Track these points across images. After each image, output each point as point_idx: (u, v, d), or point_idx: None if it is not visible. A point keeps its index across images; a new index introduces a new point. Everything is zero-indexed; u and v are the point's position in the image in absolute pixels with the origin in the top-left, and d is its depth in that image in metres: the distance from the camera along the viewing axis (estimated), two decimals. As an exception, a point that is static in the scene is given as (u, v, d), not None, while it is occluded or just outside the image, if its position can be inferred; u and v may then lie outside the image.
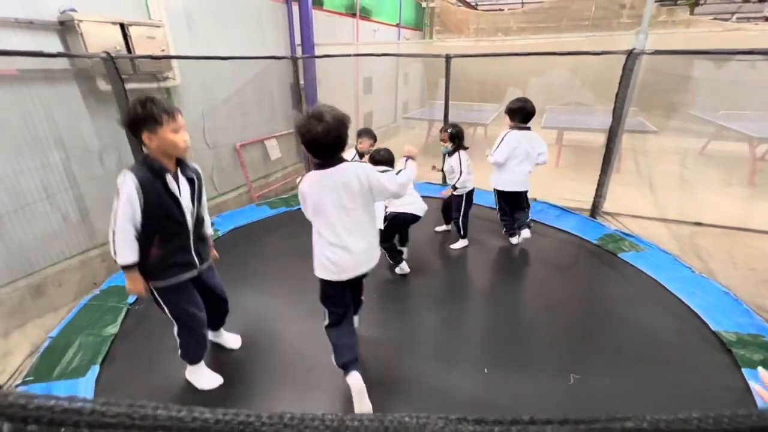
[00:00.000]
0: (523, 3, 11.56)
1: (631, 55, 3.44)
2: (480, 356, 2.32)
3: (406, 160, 2.31)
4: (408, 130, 8.76)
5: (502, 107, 7.07)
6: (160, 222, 1.67)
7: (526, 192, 3.47)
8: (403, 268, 3.16)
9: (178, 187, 1.69)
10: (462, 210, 3.45)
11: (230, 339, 2.31)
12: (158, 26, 3.26)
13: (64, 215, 2.99)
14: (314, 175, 1.71)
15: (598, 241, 3.62)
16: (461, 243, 3.60)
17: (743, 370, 2.13)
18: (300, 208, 1.88)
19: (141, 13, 3.32)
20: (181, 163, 1.73)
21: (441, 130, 3.31)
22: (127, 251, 1.62)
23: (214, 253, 2.07)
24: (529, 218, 3.53)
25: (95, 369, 2.18)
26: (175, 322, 1.90)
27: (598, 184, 4.05)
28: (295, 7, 5.03)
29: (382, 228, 3.08)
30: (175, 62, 3.53)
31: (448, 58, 4.23)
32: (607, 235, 3.71)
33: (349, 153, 3.91)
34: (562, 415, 0.31)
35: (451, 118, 4.54)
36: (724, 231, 3.70)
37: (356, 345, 1.96)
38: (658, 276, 3.03)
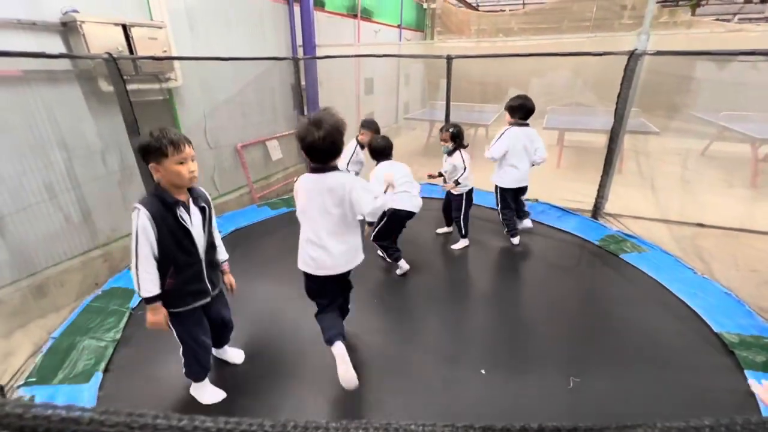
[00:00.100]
0: (524, 4, 11.56)
1: (633, 56, 3.44)
2: (479, 357, 2.32)
3: (386, 189, 2.30)
4: (409, 130, 8.76)
5: (503, 108, 7.09)
6: (173, 253, 1.69)
7: (526, 187, 3.57)
8: (402, 266, 3.16)
9: (190, 217, 1.71)
10: (462, 210, 3.46)
11: (234, 354, 2.30)
12: (160, 27, 3.27)
13: (66, 215, 3.00)
14: (308, 177, 1.85)
15: (600, 242, 3.61)
16: (462, 243, 3.60)
17: (746, 372, 2.13)
18: None
19: (143, 14, 3.33)
20: (192, 191, 1.75)
21: (441, 130, 3.31)
22: (150, 284, 1.65)
23: (231, 279, 2.05)
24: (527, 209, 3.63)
25: (98, 376, 2.17)
26: (181, 345, 1.91)
27: (600, 185, 4.04)
28: (297, 8, 5.03)
29: (380, 226, 3.10)
30: (176, 63, 3.54)
31: (449, 59, 4.23)
32: (608, 236, 3.70)
33: (350, 144, 3.94)
34: (561, 418, 0.30)
35: (453, 119, 4.53)
36: (726, 232, 3.69)
37: (341, 326, 2.12)
38: (659, 277, 3.03)
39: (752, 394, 1.95)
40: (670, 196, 4.35)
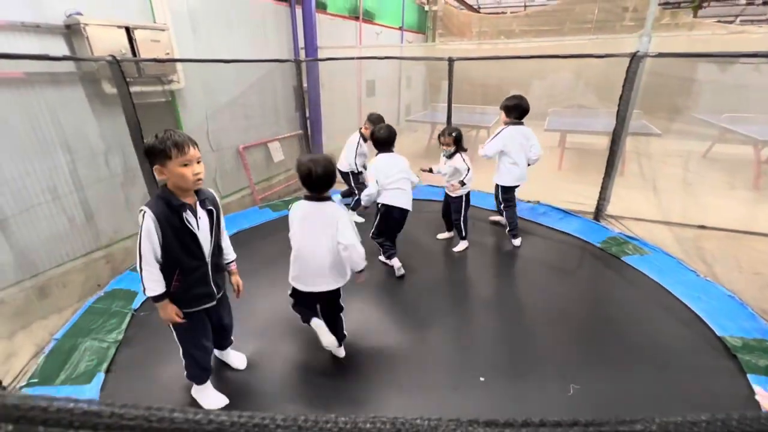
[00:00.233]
0: (525, 6, 11.59)
1: (635, 58, 3.44)
2: (479, 364, 2.30)
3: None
4: (411, 132, 8.77)
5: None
6: (179, 256, 1.69)
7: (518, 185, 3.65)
8: (395, 264, 3.18)
9: (196, 220, 1.70)
10: (462, 212, 3.47)
11: (236, 358, 2.29)
12: (163, 30, 3.29)
13: (69, 217, 3.01)
14: (304, 203, 2.07)
15: (602, 244, 3.60)
16: (462, 245, 3.61)
17: (748, 376, 2.12)
18: None
19: (146, 17, 3.35)
20: (199, 193, 1.73)
21: (442, 135, 3.30)
22: (154, 284, 1.66)
23: (239, 280, 2.05)
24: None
25: (100, 376, 2.18)
26: (180, 347, 1.91)
27: (602, 187, 4.04)
28: (299, 11, 5.05)
29: (376, 222, 3.15)
30: (179, 65, 3.55)
31: (450, 61, 4.24)
32: (610, 238, 3.69)
33: (353, 137, 3.97)
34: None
35: (454, 121, 4.54)
36: (728, 234, 3.68)
37: (317, 313, 2.29)
38: (662, 280, 3.02)
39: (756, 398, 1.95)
40: (672, 198, 4.34)
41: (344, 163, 4.11)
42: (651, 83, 4.45)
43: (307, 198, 2.06)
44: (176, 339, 1.88)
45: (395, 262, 3.19)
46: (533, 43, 7.11)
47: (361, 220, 4.20)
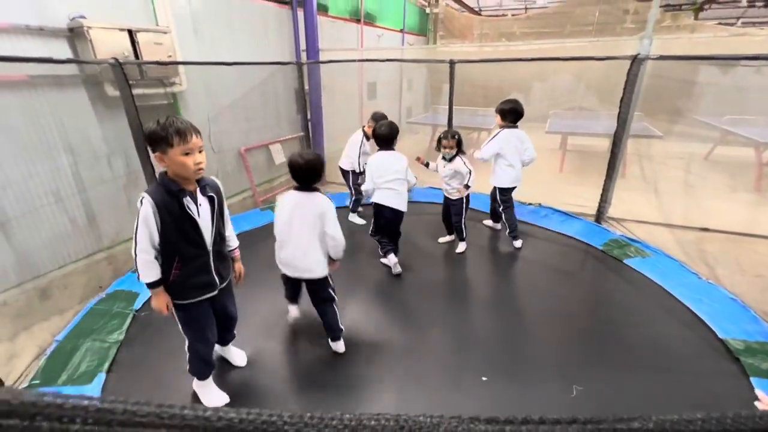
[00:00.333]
0: (526, 8, 11.61)
1: (636, 61, 3.44)
2: (481, 364, 2.30)
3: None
4: (412, 135, 8.79)
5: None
6: (179, 243, 1.66)
7: (514, 188, 3.67)
8: (390, 261, 3.21)
9: (197, 207, 1.67)
10: (463, 214, 3.48)
11: (236, 355, 2.29)
12: (165, 32, 3.30)
13: (71, 219, 3.02)
14: (293, 193, 2.21)
15: (603, 246, 3.60)
16: (462, 246, 3.61)
17: (751, 379, 2.11)
18: None
19: (148, 20, 3.37)
20: (200, 180, 1.70)
21: (444, 138, 3.30)
22: (149, 270, 1.64)
23: (241, 267, 2.07)
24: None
25: (101, 376, 2.18)
26: (186, 338, 1.91)
27: (603, 189, 4.04)
28: (300, 13, 5.08)
29: (374, 219, 3.22)
30: (181, 68, 3.57)
31: (452, 63, 4.25)
32: (612, 240, 3.69)
33: (356, 135, 3.98)
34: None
35: (455, 123, 4.55)
36: (730, 237, 3.67)
37: (297, 296, 2.53)
38: (664, 282, 3.01)
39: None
40: (674, 201, 4.34)
41: (346, 161, 4.11)
42: (652, 85, 4.46)
43: (296, 189, 2.22)
44: (181, 330, 1.87)
45: (390, 259, 3.22)
46: (534, 45, 7.13)
47: (361, 222, 4.20)
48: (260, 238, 3.92)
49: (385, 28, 7.88)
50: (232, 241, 2.00)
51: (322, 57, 5.28)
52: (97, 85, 3.02)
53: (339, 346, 2.38)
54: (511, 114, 3.47)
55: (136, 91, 3.05)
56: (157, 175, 1.63)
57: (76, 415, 0.22)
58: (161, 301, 1.71)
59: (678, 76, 5.24)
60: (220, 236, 1.83)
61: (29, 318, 2.72)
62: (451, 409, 2.01)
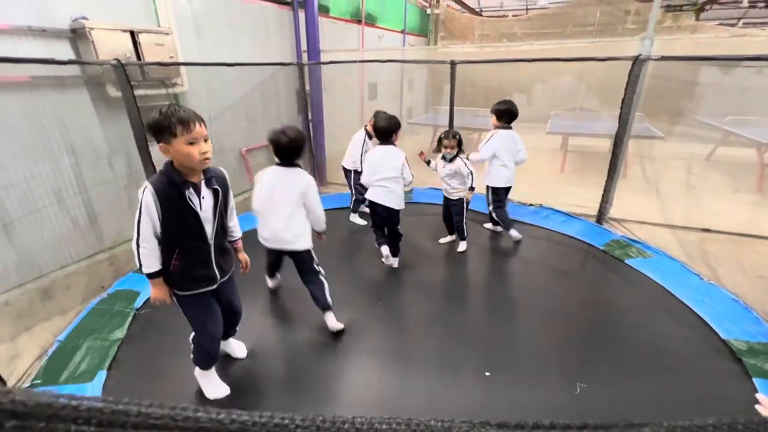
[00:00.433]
0: (527, 9, 11.62)
1: (637, 61, 3.44)
2: (483, 361, 2.31)
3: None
4: (413, 135, 8.79)
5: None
6: (179, 235, 1.65)
7: (510, 188, 3.73)
8: (383, 252, 3.24)
9: (199, 200, 1.64)
10: (464, 214, 3.49)
11: (236, 348, 2.30)
12: (167, 33, 3.31)
13: (73, 219, 3.03)
14: (275, 168, 2.32)
15: (605, 246, 3.60)
16: (464, 245, 3.62)
17: (754, 379, 2.10)
18: None
19: (150, 21, 3.38)
20: (206, 171, 1.66)
21: (446, 138, 3.30)
22: (150, 261, 1.63)
23: (245, 257, 2.07)
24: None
25: (102, 374, 2.19)
26: (191, 328, 1.92)
27: (604, 190, 4.04)
28: (302, 14, 5.08)
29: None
30: (183, 68, 3.58)
31: (453, 64, 4.25)
32: (613, 240, 3.68)
33: (359, 134, 3.98)
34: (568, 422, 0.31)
35: (456, 124, 4.55)
36: (732, 238, 3.67)
37: (276, 270, 2.77)
38: (665, 283, 3.01)
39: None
40: (675, 201, 4.34)
41: (348, 161, 4.11)
42: (653, 86, 4.46)
43: (278, 164, 2.32)
44: (185, 319, 1.87)
45: (383, 251, 3.25)
46: (535, 46, 7.12)
47: (362, 222, 4.19)
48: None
49: (386, 29, 7.88)
50: (236, 232, 1.98)
51: (323, 58, 5.28)
52: (99, 85, 3.03)
53: (330, 319, 2.44)
54: (507, 115, 3.53)
55: (137, 92, 3.06)
56: (160, 153, 1.58)
57: (91, 417, 0.23)
58: (161, 292, 1.71)
59: (679, 76, 5.25)
60: (222, 229, 1.81)
61: (31, 318, 2.72)
62: (454, 404, 2.01)
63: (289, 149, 2.26)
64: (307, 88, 5.26)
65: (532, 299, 2.99)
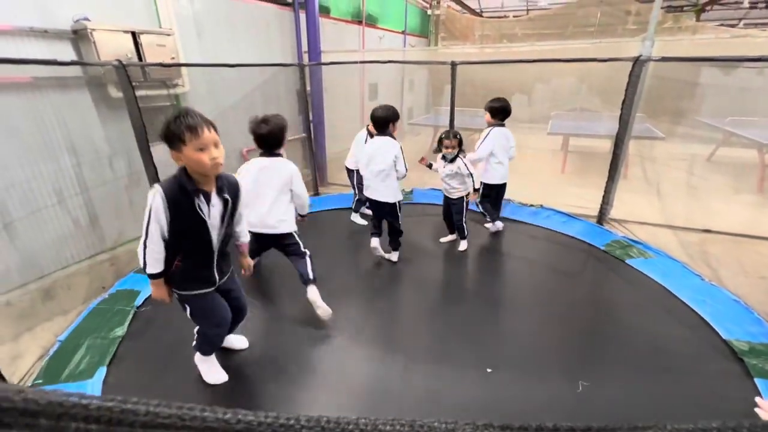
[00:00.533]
0: (528, 10, 11.62)
1: (638, 62, 3.44)
2: (484, 359, 2.31)
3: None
4: (413, 136, 8.80)
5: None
6: (184, 239, 1.67)
7: (505, 185, 3.80)
8: (372, 243, 3.30)
9: (209, 209, 1.65)
10: (464, 213, 3.50)
11: (236, 341, 2.33)
12: (168, 34, 3.32)
13: (74, 220, 3.03)
14: (260, 158, 2.45)
15: (606, 246, 3.59)
16: (464, 244, 3.63)
17: (756, 380, 2.10)
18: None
19: (152, 22, 3.38)
20: (219, 179, 1.68)
21: (447, 138, 3.30)
22: (155, 262, 1.66)
23: (249, 261, 2.09)
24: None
25: (102, 370, 2.20)
26: (195, 322, 1.95)
27: (605, 191, 4.04)
28: (302, 15, 5.09)
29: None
30: (184, 69, 3.58)
31: (453, 65, 4.25)
32: (614, 241, 3.68)
33: (361, 133, 3.98)
34: (569, 421, 0.31)
35: (457, 124, 4.56)
36: (733, 238, 3.66)
37: (260, 253, 2.79)
38: (666, 283, 3.00)
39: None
40: (676, 202, 4.34)
41: (351, 160, 4.11)
42: (654, 86, 4.46)
43: (262, 155, 2.46)
44: (188, 315, 1.90)
45: (373, 242, 3.32)
46: (536, 46, 7.13)
47: (363, 222, 4.20)
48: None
49: (386, 30, 7.89)
50: (243, 237, 2.01)
51: (324, 58, 5.29)
52: (100, 86, 3.03)
53: (311, 292, 2.51)
54: (501, 112, 3.60)
55: (139, 93, 3.06)
56: (159, 175, 1.64)
57: (101, 416, 0.23)
58: (161, 292, 1.74)
59: (680, 77, 5.25)
60: (227, 236, 1.83)
61: (32, 318, 2.72)
62: (455, 402, 2.01)
63: (269, 138, 2.36)
64: (308, 88, 5.27)
65: (532, 298, 2.99)
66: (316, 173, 5.42)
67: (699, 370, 2.22)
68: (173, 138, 1.50)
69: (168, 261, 1.70)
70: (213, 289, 1.87)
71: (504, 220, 4.12)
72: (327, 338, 2.48)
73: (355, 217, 4.28)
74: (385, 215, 3.22)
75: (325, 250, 3.80)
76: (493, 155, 3.61)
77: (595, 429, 0.30)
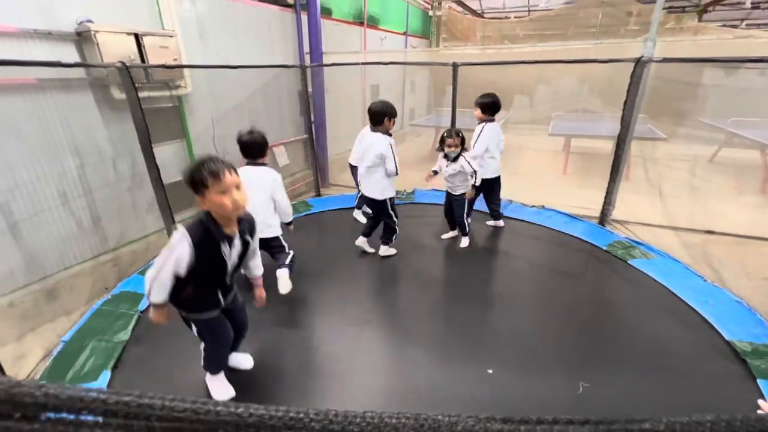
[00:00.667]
0: (529, 11, 11.62)
1: (640, 63, 3.44)
2: (485, 359, 2.31)
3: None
4: (414, 137, 8.81)
5: (509, 114, 7.10)
6: (200, 276, 1.70)
7: (499, 177, 3.85)
8: (360, 241, 3.42)
9: (230, 250, 1.71)
10: (466, 210, 3.52)
11: (243, 359, 2.32)
12: (171, 36, 3.33)
13: (77, 221, 3.05)
14: (246, 167, 2.62)
15: (608, 247, 3.59)
16: (466, 241, 3.64)
17: (758, 381, 2.10)
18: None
19: (155, 24, 3.40)
20: (241, 222, 1.74)
21: (448, 137, 3.31)
22: (160, 293, 1.67)
23: (262, 292, 2.10)
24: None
25: (107, 374, 2.20)
26: (201, 340, 1.97)
27: (607, 192, 4.03)
28: (304, 16, 5.10)
29: None
30: (186, 71, 3.60)
31: (455, 66, 4.26)
32: (616, 242, 3.68)
33: (364, 129, 4.01)
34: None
35: (458, 125, 4.56)
36: (736, 239, 3.65)
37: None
38: (669, 284, 3.00)
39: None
40: (679, 203, 4.33)
41: (354, 157, 4.12)
42: (656, 87, 4.45)
43: (247, 163, 2.66)
44: (195, 334, 1.92)
45: (362, 240, 3.46)
46: (537, 47, 7.13)
47: (364, 220, 4.20)
48: (264, 240, 3.94)
49: (388, 31, 7.90)
50: (257, 270, 2.05)
51: (326, 60, 5.30)
52: (103, 88, 3.05)
53: (281, 273, 2.69)
54: (491, 107, 3.65)
55: (142, 94, 3.08)
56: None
57: (118, 410, 0.23)
58: (161, 317, 1.76)
59: (682, 78, 5.24)
60: (238, 270, 1.90)
61: (36, 319, 2.74)
62: (456, 401, 2.02)
63: (250, 145, 2.61)
64: (310, 90, 5.28)
65: (534, 297, 2.99)
66: (317, 174, 5.43)
67: (701, 372, 2.21)
68: (197, 184, 1.55)
69: (178, 289, 1.71)
70: (216, 313, 1.91)
71: (505, 219, 4.12)
72: (327, 338, 2.49)
73: (357, 214, 4.29)
74: (376, 212, 3.25)
75: (327, 249, 3.81)
76: (487, 150, 3.66)
77: (593, 422, 0.30)
